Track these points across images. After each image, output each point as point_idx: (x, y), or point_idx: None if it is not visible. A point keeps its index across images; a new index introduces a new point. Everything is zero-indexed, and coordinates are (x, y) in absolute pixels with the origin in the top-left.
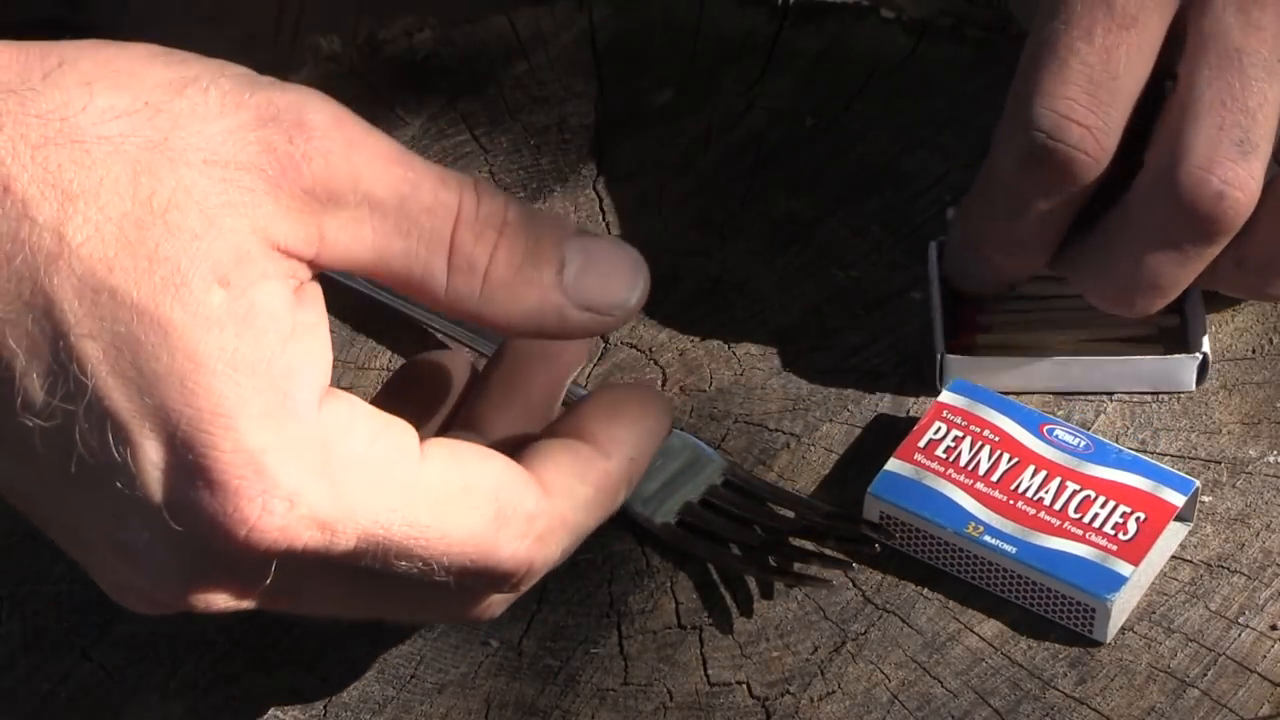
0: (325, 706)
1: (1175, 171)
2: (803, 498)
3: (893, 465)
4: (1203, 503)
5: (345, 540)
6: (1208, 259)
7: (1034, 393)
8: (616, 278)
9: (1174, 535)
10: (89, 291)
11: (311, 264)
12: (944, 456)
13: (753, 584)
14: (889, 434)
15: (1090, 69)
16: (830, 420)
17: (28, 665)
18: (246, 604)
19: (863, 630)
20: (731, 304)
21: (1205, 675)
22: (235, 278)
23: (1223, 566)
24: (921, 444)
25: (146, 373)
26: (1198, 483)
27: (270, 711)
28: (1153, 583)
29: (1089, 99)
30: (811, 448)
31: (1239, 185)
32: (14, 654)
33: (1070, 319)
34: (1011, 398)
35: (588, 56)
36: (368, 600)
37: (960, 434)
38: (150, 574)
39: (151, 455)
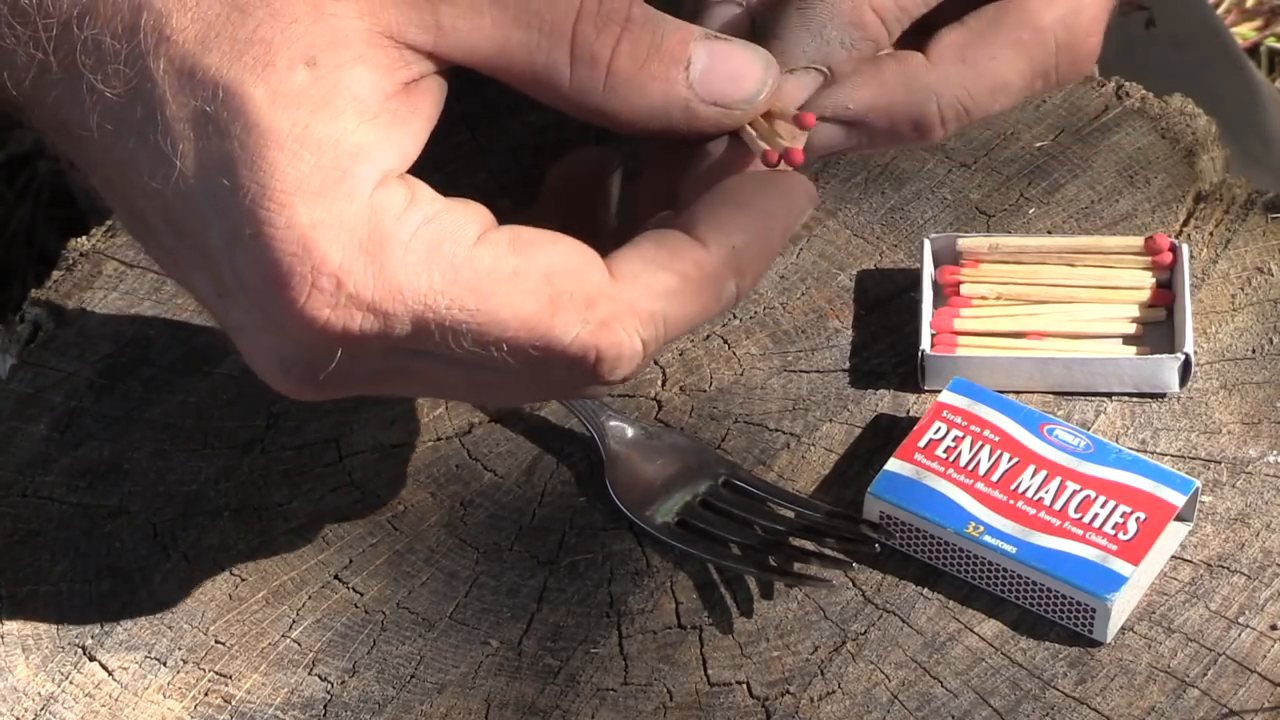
0: (325, 706)
1: None
2: (803, 498)
3: (893, 465)
4: (1203, 503)
5: (400, 324)
6: None
7: (1017, 391)
8: (745, 75)
9: (1174, 535)
10: (185, 73)
11: (432, 55)
12: (944, 456)
13: (753, 584)
14: (889, 434)
15: None
16: (830, 420)
17: (28, 665)
18: (350, 390)
19: (863, 630)
20: None
21: (1205, 675)
22: (324, 59)
23: (1223, 566)
24: (921, 444)
25: (222, 148)
26: (1198, 483)
27: (270, 711)
28: (1153, 583)
29: None
30: (811, 448)
31: None
32: (14, 654)
33: (1052, 310)
34: (1011, 397)
35: None
36: (463, 383)
37: (960, 434)
38: (253, 354)
39: (219, 234)
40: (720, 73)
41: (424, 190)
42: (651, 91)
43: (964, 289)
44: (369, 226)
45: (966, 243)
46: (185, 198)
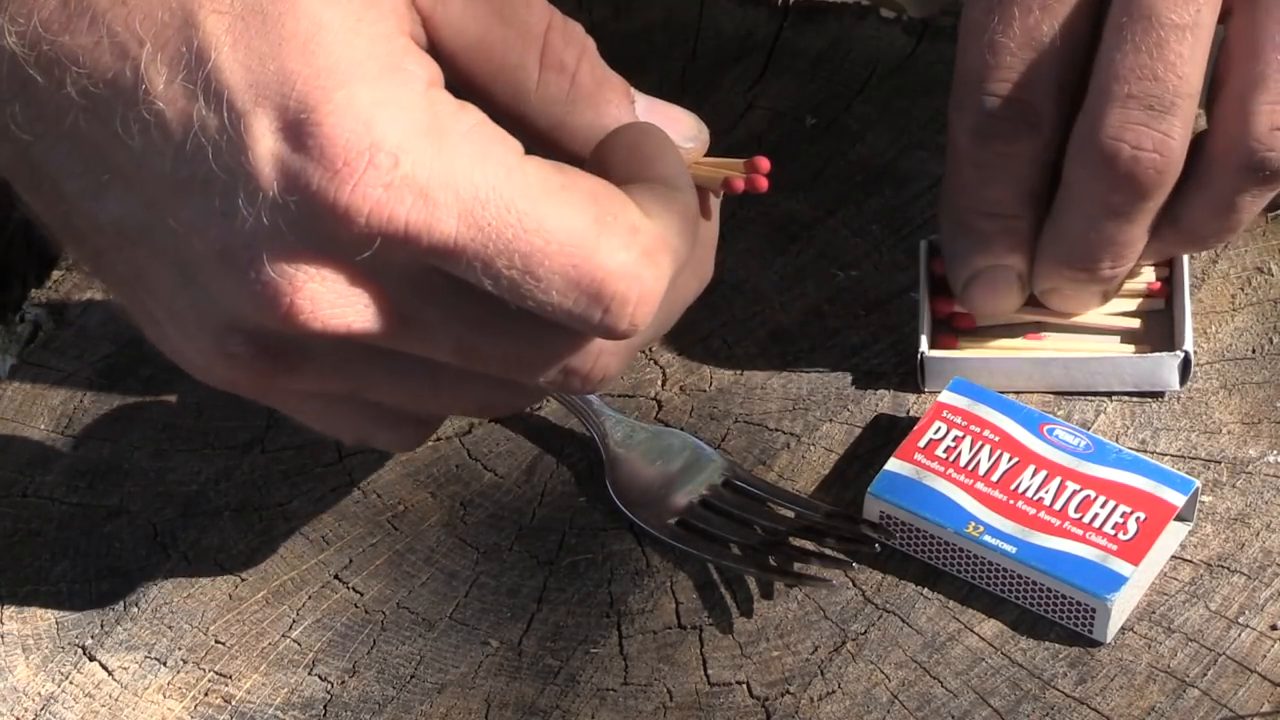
0: (325, 706)
1: (1093, 140)
2: (803, 498)
3: (893, 465)
4: (1203, 503)
5: (445, 220)
6: (1150, 214)
7: (1017, 391)
8: (681, 120)
9: (1174, 535)
10: None
11: (428, 22)
12: (944, 456)
13: (753, 584)
14: (889, 434)
15: (1016, 55)
16: (830, 420)
17: (28, 665)
18: (341, 327)
19: (863, 630)
20: (731, 304)
21: (1205, 675)
22: None
23: (1223, 566)
24: (921, 444)
25: (271, 38)
26: (1198, 483)
27: (270, 711)
28: (1153, 583)
29: (1021, 78)
30: (811, 448)
31: (1153, 147)
32: (14, 654)
33: (1055, 314)
34: (1011, 397)
35: None
36: (474, 343)
37: (960, 434)
38: (255, 277)
39: (264, 123)
40: (659, 114)
41: (467, 102)
42: (607, 113)
43: None
44: (428, 114)
45: None
46: (215, 96)
